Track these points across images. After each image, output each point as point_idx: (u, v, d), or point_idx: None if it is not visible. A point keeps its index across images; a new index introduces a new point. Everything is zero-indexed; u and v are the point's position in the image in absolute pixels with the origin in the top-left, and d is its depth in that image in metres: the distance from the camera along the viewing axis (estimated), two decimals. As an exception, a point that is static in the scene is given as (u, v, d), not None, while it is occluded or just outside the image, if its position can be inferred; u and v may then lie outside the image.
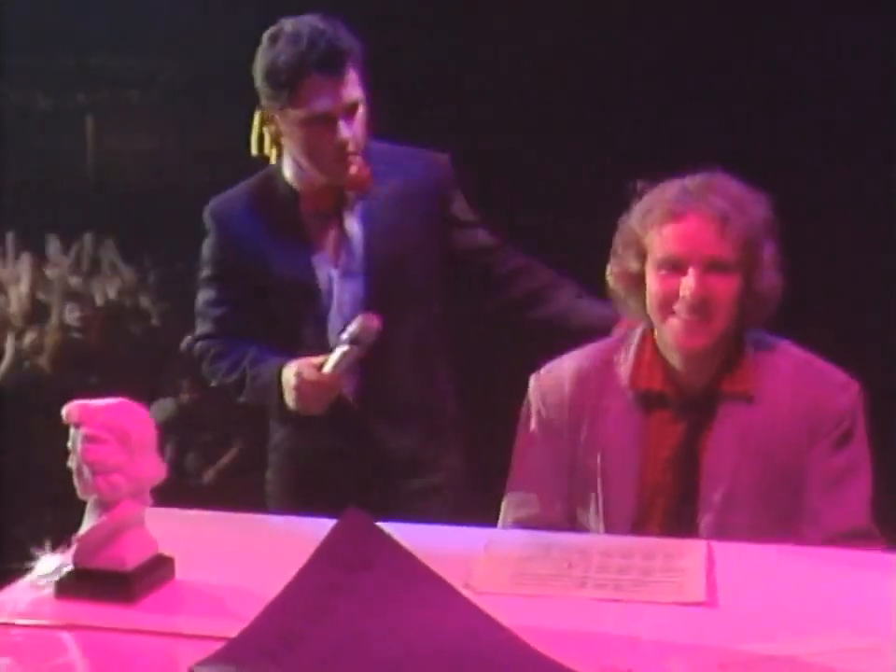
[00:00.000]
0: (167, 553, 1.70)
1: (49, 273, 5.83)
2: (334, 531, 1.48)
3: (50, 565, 1.71)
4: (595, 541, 1.86)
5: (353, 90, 2.32)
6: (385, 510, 1.98)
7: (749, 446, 2.00)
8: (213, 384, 2.50)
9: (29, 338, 5.34)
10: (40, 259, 6.13)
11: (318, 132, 2.31)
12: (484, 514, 2.13)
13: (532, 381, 2.13)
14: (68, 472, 1.62)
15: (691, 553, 1.77)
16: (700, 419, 2.03)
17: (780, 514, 2.00)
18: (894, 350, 2.58)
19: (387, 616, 1.43)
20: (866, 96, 3.07)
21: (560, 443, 2.08)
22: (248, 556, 1.80)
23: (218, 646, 1.38)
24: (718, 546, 1.81)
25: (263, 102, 2.36)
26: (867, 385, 2.06)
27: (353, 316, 2.31)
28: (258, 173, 2.51)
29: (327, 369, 2.26)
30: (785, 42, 3.14)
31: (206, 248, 2.50)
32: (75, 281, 5.84)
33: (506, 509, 2.11)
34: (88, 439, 1.59)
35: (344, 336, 2.26)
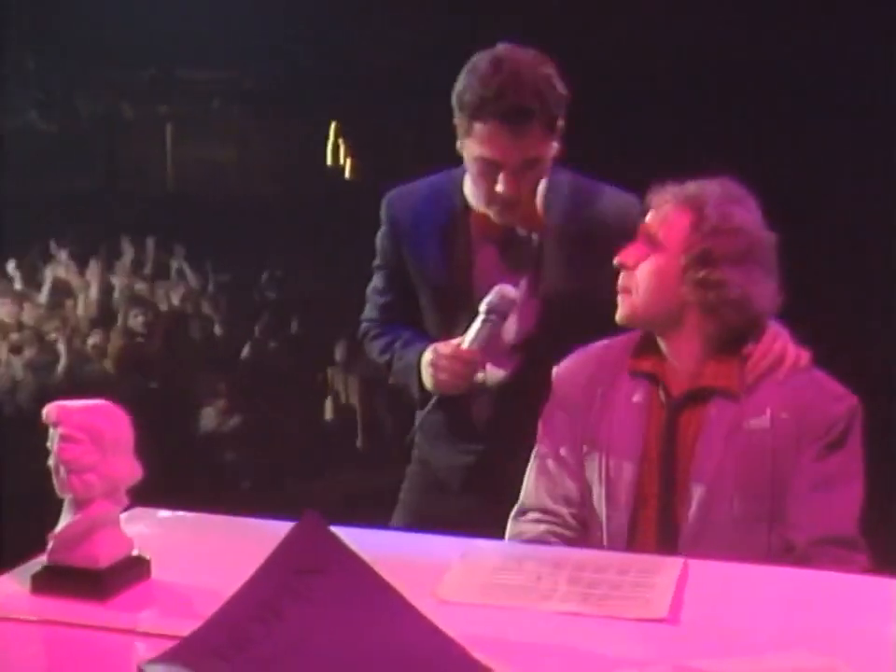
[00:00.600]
0: (146, 553, 1.74)
1: (117, 278, 5.98)
2: (290, 535, 1.51)
3: None
4: (572, 555, 1.85)
5: (532, 147, 2.22)
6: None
7: (735, 444, 2.04)
8: (373, 359, 2.52)
9: (93, 341, 5.48)
10: (111, 264, 6.29)
11: (485, 173, 2.25)
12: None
13: (555, 369, 2.22)
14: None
15: (665, 569, 1.76)
16: (689, 409, 2.09)
17: (763, 516, 2.02)
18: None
19: (336, 620, 1.45)
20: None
21: (575, 418, 2.15)
22: (228, 559, 1.81)
23: (176, 645, 1.42)
24: (695, 564, 1.80)
25: (455, 118, 2.29)
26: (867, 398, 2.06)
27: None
28: (444, 170, 2.45)
29: (465, 343, 2.24)
30: (799, 49, 3.11)
31: (379, 237, 2.49)
32: (140, 286, 5.98)
33: (525, 491, 2.17)
34: (63, 438, 1.63)
35: (482, 307, 2.23)
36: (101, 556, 1.66)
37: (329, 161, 7.63)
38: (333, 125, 7.01)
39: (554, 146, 2.27)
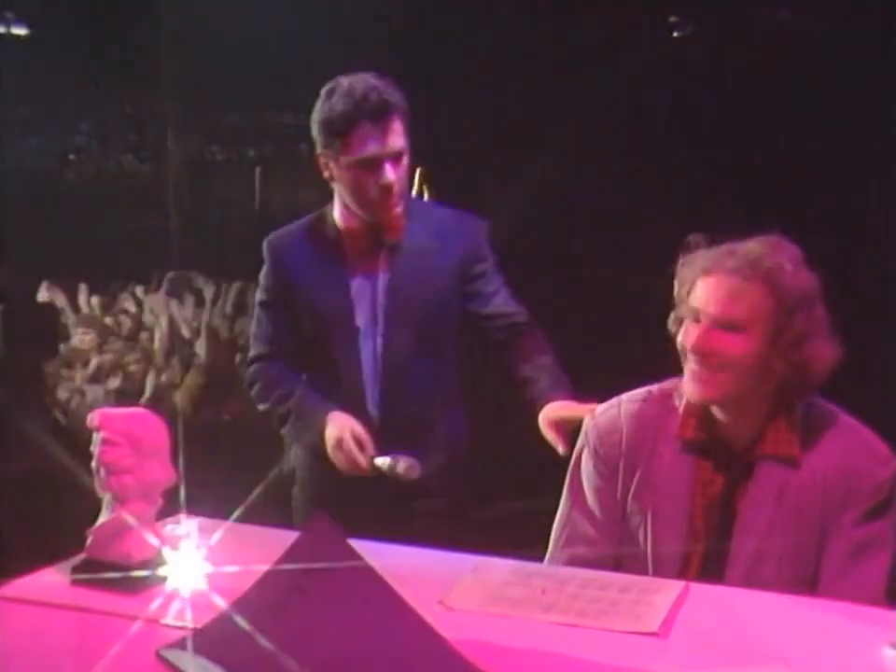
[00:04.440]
0: (178, 552, 1.86)
1: (193, 313, 6.17)
2: (301, 537, 1.62)
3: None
4: (579, 574, 1.94)
5: (398, 139, 2.53)
6: (397, 525, 2.32)
7: (785, 505, 2.03)
8: (260, 408, 2.70)
9: (168, 375, 5.66)
10: (189, 300, 6.49)
11: (366, 174, 2.52)
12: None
13: (587, 421, 2.20)
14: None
15: (666, 589, 1.84)
16: (741, 474, 2.07)
17: (806, 574, 2.02)
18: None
19: (341, 619, 1.56)
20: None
21: (615, 481, 2.13)
22: (254, 563, 1.94)
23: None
24: (697, 587, 1.87)
25: (319, 150, 2.59)
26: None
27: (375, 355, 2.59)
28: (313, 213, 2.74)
29: (376, 461, 2.48)
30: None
31: (262, 276, 2.71)
32: (218, 322, 6.17)
33: (556, 543, 2.17)
34: (104, 441, 1.78)
35: (389, 464, 2.46)
36: (133, 553, 1.79)
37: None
38: (418, 171, 7.15)
39: (408, 145, 2.55)
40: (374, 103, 2.49)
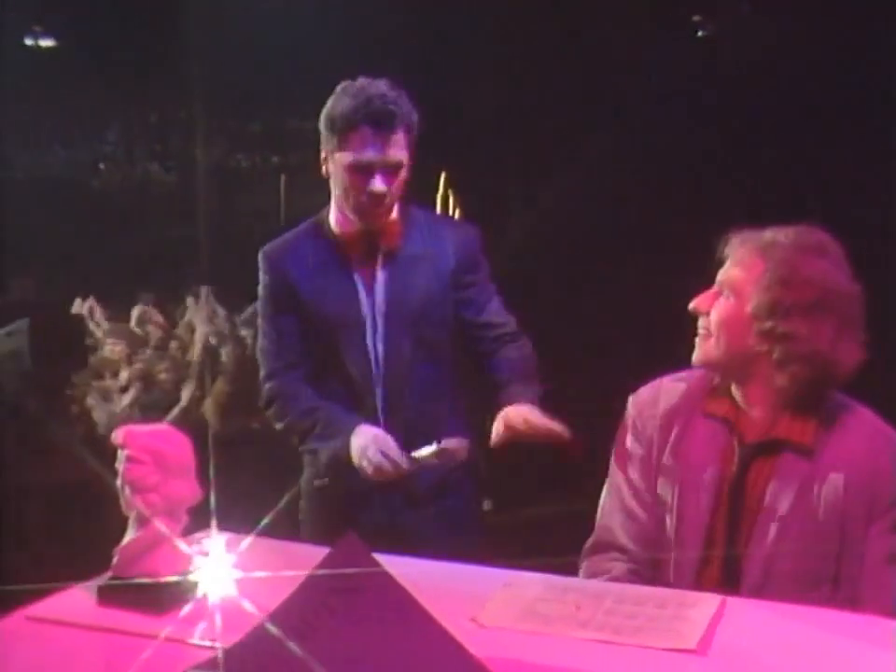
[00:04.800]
0: (206, 570, 1.83)
1: (220, 321, 6.16)
2: (329, 556, 1.59)
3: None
4: (613, 588, 1.90)
5: (397, 150, 2.51)
6: (408, 533, 2.51)
7: (804, 502, 2.02)
8: (278, 426, 2.66)
9: (198, 385, 5.65)
10: (219, 310, 6.48)
11: (358, 178, 2.51)
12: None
13: (630, 398, 2.25)
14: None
15: (703, 604, 1.79)
16: (761, 458, 2.08)
17: (827, 577, 2.00)
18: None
19: (370, 639, 1.52)
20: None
21: (651, 453, 2.17)
22: (284, 581, 1.91)
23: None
24: (734, 602, 1.83)
25: (323, 147, 2.58)
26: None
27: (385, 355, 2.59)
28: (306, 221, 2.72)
29: (415, 454, 2.45)
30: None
31: (262, 289, 2.67)
32: (245, 332, 6.15)
33: (601, 511, 2.21)
34: (129, 459, 1.75)
35: (435, 450, 2.44)
36: (160, 571, 1.76)
37: (438, 210, 7.78)
38: (443, 175, 7.12)
39: (408, 158, 2.54)
40: (378, 109, 2.48)
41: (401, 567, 1.65)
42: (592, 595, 1.83)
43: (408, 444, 2.49)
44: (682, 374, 2.24)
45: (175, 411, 5.65)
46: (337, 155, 2.52)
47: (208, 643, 1.64)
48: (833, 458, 2.03)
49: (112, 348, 5.72)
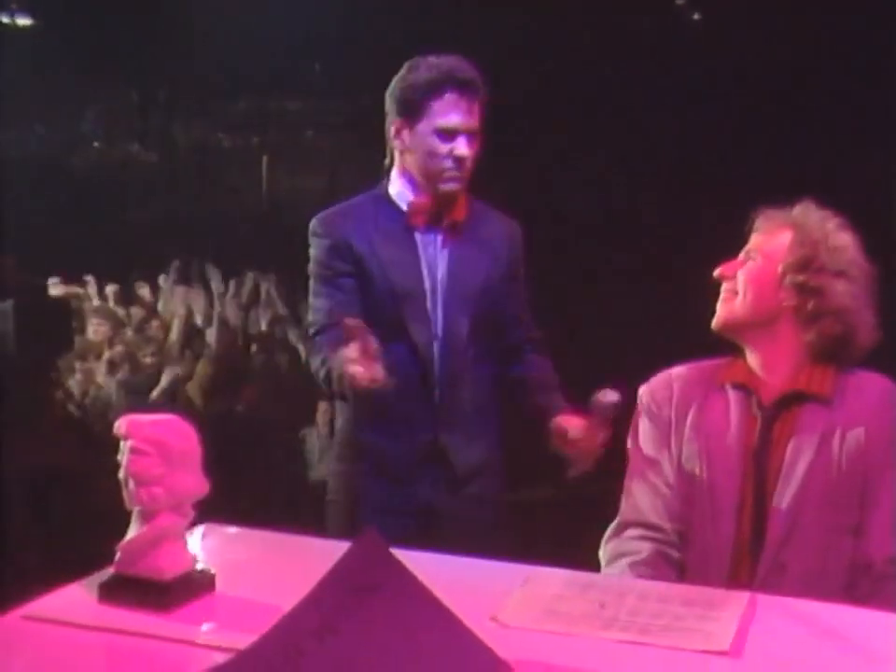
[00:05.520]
0: (212, 567, 1.75)
1: (204, 303, 6.08)
2: (348, 553, 1.51)
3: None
4: (636, 585, 1.83)
5: (477, 118, 2.60)
6: (444, 513, 2.58)
7: (825, 453, 2.05)
8: (318, 376, 2.60)
9: (182, 366, 5.57)
10: (202, 291, 6.40)
11: (442, 143, 2.57)
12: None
13: (641, 388, 2.26)
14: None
15: (731, 602, 1.73)
16: (783, 416, 2.11)
17: (850, 528, 2.03)
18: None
19: (390, 639, 1.45)
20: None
21: (669, 433, 2.18)
22: (293, 576, 1.82)
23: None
24: (763, 599, 1.77)
25: (394, 117, 2.64)
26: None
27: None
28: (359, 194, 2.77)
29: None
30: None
31: (319, 252, 2.67)
32: (231, 312, 6.07)
33: (625, 496, 2.20)
34: (132, 451, 1.66)
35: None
36: (165, 568, 1.68)
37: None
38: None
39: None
40: (464, 77, 2.57)
41: (417, 560, 1.58)
42: (615, 591, 1.76)
43: (460, 423, 2.60)
44: (689, 363, 2.26)
45: (155, 392, 5.58)
46: (420, 124, 2.58)
47: (216, 643, 1.56)
48: (851, 409, 2.08)
49: (97, 328, 5.64)
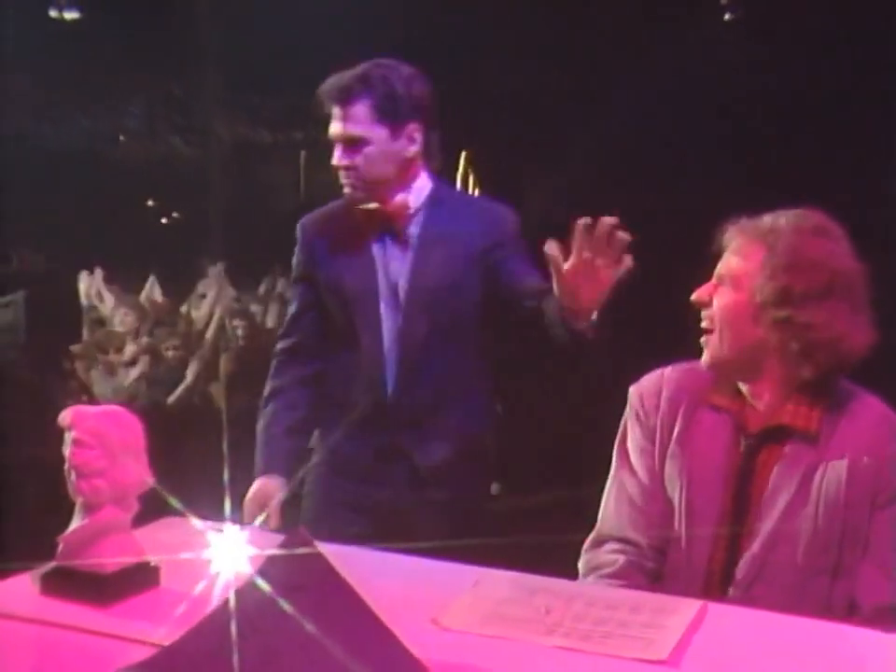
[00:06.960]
0: (157, 561, 1.74)
1: (232, 298, 6.08)
2: (276, 552, 1.49)
3: None
4: (585, 591, 1.80)
5: (356, 125, 2.52)
6: (408, 515, 2.55)
7: (808, 489, 1.97)
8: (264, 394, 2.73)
9: (206, 363, 5.57)
10: (231, 286, 6.40)
11: (336, 153, 2.57)
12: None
13: (632, 389, 2.18)
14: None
15: (681, 611, 1.69)
16: (767, 447, 2.02)
17: (826, 569, 1.94)
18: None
19: (312, 639, 1.43)
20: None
21: (654, 443, 2.10)
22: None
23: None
24: (715, 608, 1.73)
25: None
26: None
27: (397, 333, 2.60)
28: None
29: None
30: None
31: (295, 255, 2.74)
32: (256, 308, 6.07)
33: (605, 504, 2.14)
34: (75, 442, 1.66)
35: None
36: (107, 561, 1.67)
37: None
38: (464, 154, 7.04)
39: (385, 134, 2.52)
40: (338, 86, 2.52)
41: (371, 562, 1.56)
42: (563, 596, 1.73)
43: (416, 425, 2.57)
44: (683, 364, 2.16)
45: (180, 389, 5.59)
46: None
47: (152, 640, 1.54)
48: (838, 445, 1.98)
49: (123, 318, 5.65)
